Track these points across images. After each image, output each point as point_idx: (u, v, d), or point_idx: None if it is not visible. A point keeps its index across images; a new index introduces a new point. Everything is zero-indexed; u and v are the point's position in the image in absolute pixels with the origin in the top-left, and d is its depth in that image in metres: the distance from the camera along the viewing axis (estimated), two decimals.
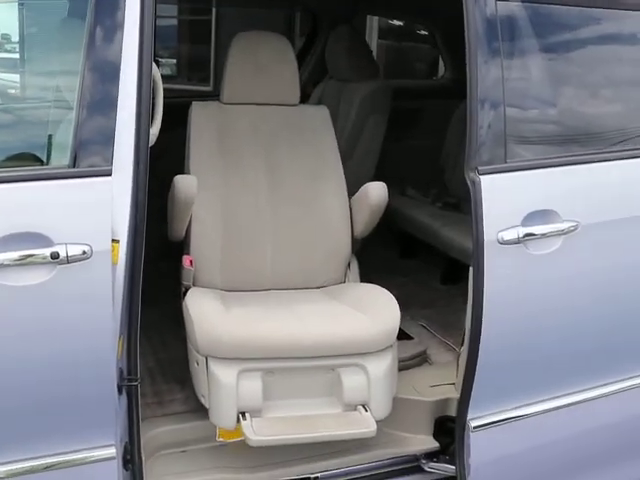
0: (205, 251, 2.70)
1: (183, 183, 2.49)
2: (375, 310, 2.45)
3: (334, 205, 2.82)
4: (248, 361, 2.29)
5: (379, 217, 2.75)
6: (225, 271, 2.71)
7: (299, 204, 2.81)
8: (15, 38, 3.42)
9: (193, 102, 2.91)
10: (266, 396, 2.31)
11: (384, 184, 2.70)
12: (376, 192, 2.69)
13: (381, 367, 2.35)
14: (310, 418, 2.31)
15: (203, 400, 2.35)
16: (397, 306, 2.45)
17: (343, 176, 2.86)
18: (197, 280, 2.66)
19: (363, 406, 2.34)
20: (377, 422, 2.32)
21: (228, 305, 2.49)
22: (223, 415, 2.29)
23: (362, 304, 2.51)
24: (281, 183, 2.84)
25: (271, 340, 2.31)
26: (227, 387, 2.27)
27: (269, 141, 2.89)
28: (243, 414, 2.27)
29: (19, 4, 2.94)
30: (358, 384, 2.34)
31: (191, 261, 2.63)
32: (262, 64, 2.84)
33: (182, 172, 2.87)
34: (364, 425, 2.28)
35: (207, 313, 2.38)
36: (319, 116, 2.96)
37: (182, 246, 2.80)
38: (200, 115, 2.86)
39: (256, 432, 2.22)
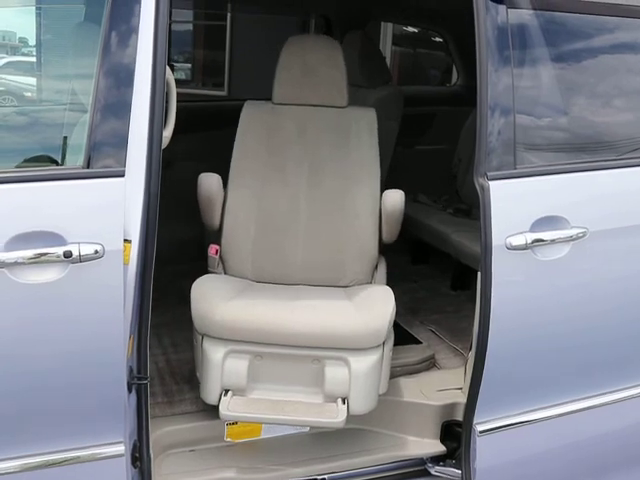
0: (236, 243, 2.82)
1: (204, 181, 2.71)
2: (368, 311, 2.48)
3: (365, 208, 2.84)
4: (239, 343, 2.39)
5: (397, 223, 2.77)
6: (256, 263, 2.81)
7: (334, 205, 2.86)
8: (32, 42, 3.47)
9: (246, 101, 3.04)
10: (253, 378, 2.41)
11: (401, 192, 2.73)
12: (390, 199, 2.73)
13: (364, 364, 2.39)
14: (286, 403, 2.39)
15: (198, 375, 2.46)
16: (390, 309, 2.46)
17: (379, 180, 2.89)
18: (229, 269, 2.81)
19: (343, 399, 2.39)
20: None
21: (241, 292, 2.58)
22: (208, 390, 2.40)
23: (363, 304, 2.53)
24: (320, 184, 2.90)
25: (257, 324, 2.39)
26: (213, 364, 2.38)
27: (314, 142, 2.95)
28: (228, 392, 2.38)
29: (36, 9, 2.99)
30: (339, 377, 2.39)
31: (217, 250, 2.79)
32: (310, 66, 2.92)
33: (198, 173, 3.03)
34: (332, 416, 2.33)
35: (205, 294, 2.49)
36: (364, 119, 2.98)
37: (198, 246, 3.02)
38: (249, 114, 2.98)
39: (229, 408, 2.32)
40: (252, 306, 2.48)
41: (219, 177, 2.75)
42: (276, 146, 2.93)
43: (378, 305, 2.50)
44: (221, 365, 2.38)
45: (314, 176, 2.90)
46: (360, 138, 2.94)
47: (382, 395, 2.56)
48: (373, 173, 2.89)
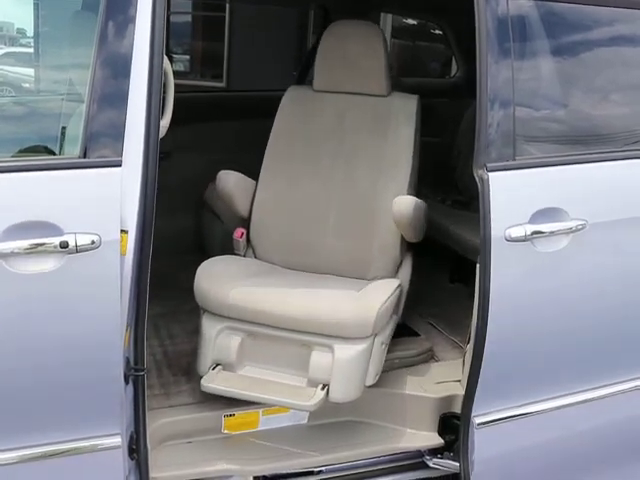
0: (265, 230, 2.90)
1: (221, 179, 2.82)
2: (360, 301, 2.48)
3: (389, 204, 2.77)
4: (234, 321, 2.47)
5: (410, 228, 2.71)
6: (284, 250, 2.88)
7: (363, 198, 2.85)
8: (30, 33, 3.46)
9: (290, 86, 3.06)
10: (244, 356, 2.49)
11: (411, 198, 2.65)
12: (397, 206, 2.65)
13: (348, 353, 2.39)
14: (268, 383, 2.43)
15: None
16: (380, 302, 2.45)
17: (408, 176, 2.83)
18: (258, 255, 2.90)
19: (325, 385, 2.39)
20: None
21: (249, 274, 2.64)
22: (200, 362, 2.49)
23: (360, 295, 2.53)
24: (353, 174, 2.89)
25: (250, 304, 2.44)
26: (206, 338, 2.49)
27: (351, 131, 2.94)
28: (218, 366, 2.46)
29: None
30: (323, 364, 2.40)
31: (242, 233, 2.86)
32: (349, 53, 2.90)
33: (200, 165, 3.23)
34: (305, 399, 2.35)
35: (209, 272, 2.57)
36: (405, 108, 2.91)
37: (196, 237, 3.28)
38: (290, 99, 3.00)
39: (209, 380, 2.39)
40: (251, 287, 2.52)
41: (237, 174, 2.84)
42: (313, 133, 2.94)
43: (371, 297, 2.50)
44: (214, 339, 2.46)
45: (348, 166, 2.90)
46: (397, 129, 2.89)
47: (381, 387, 2.57)
48: (402, 168, 2.84)
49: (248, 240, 2.93)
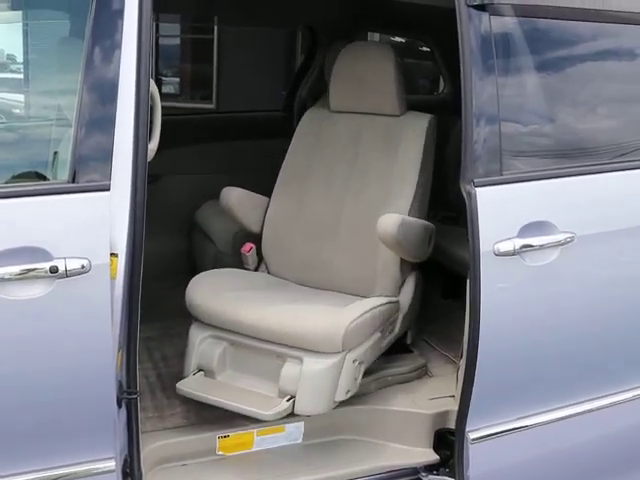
0: (275, 246, 3.00)
1: (224, 195, 2.93)
2: (331, 316, 2.49)
3: None
4: (218, 330, 2.58)
5: (397, 247, 2.68)
6: (295, 267, 2.96)
7: (372, 217, 2.81)
8: (20, 59, 3.48)
9: (310, 108, 3.15)
10: (225, 363, 2.60)
11: (395, 218, 2.59)
12: (380, 226, 2.59)
13: (315, 366, 2.42)
14: (240, 391, 2.50)
15: None
16: (349, 319, 2.45)
17: (413, 193, 2.82)
18: (270, 271, 3.02)
19: (292, 397, 2.42)
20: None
21: (240, 286, 2.73)
22: (185, 366, 2.61)
23: (338, 310, 2.54)
24: (362, 194, 2.93)
25: (229, 315, 2.54)
26: (191, 344, 2.61)
27: (365, 151, 2.99)
28: (200, 371, 2.58)
29: (23, 25, 2.99)
30: (291, 375, 2.44)
31: (251, 248, 2.95)
32: (362, 74, 2.96)
33: (190, 187, 3.34)
34: (264, 408, 2.38)
35: (198, 282, 2.70)
36: (415, 127, 2.92)
37: (186, 259, 3.29)
38: (307, 120, 3.09)
39: (184, 384, 2.51)
40: (236, 299, 2.60)
41: (240, 190, 2.93)
42: (328, 153, 3.00)
43: (346, 313, 2.51)
44: (197, 346, 2.58)
45: (359, 186, 2.94)
46: (407, 149, 2.91)
47: (375, 405, 2.59)
48: (408, 187, 2.85)
49: (259, 255, 3.00)
